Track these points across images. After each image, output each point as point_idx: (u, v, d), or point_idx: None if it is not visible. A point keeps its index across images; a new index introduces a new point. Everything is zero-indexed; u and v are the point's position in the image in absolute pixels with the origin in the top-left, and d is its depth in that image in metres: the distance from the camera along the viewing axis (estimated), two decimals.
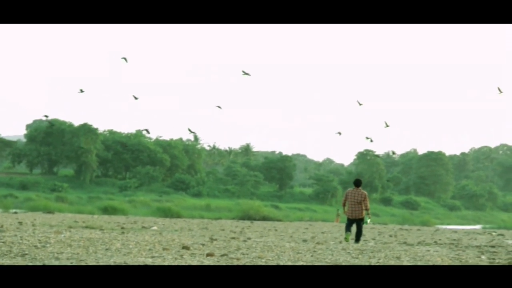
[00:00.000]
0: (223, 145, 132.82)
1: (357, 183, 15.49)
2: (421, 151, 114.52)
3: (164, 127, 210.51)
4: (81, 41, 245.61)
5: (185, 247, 11.19)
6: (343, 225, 26.75)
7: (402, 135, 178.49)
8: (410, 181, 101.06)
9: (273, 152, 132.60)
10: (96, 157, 79.41)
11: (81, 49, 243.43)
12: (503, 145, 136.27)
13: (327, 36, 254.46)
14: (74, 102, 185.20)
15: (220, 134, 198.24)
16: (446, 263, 9.93)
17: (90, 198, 61.08)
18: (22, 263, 7.96)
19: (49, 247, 10.24)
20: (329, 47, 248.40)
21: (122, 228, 19.62)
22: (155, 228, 20.71)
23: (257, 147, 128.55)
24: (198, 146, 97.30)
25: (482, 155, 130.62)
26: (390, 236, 22.26)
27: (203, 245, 12.34)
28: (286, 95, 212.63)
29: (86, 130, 79.61)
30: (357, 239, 15.47)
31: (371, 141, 25.01)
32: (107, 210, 42.43)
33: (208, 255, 9.95)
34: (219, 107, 28.10)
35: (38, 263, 7.97)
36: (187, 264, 8.35)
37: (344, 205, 15.46)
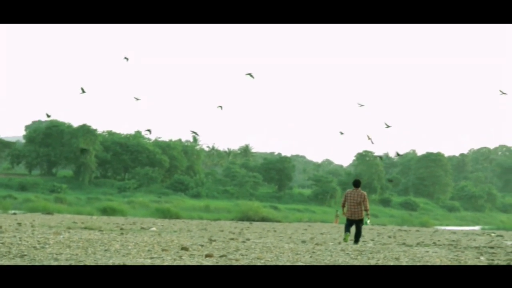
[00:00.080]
0: (222, 146, 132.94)
1: (356, 184, 15.51)
2: (420, 152, 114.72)
3: (163, 128, 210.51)
4: (81, 41, 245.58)
5: (184, 248, 11.19)
6: (342, 226, 26.75)
7: (401, 136, 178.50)
8: (409, 182, 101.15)
9: (272, 153, 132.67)
10: (95, 158, 79.40)
11: (81, 49, 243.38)
12: (502, 146, 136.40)
13: (326, 36, 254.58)
14: (73, 103, 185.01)
15: (219, 135, 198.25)
16: (445, 264, 9.93)
17: (89, 199, 61.04)
18: (21, 264, 7.95)
19: (48, 248, 10.24)
20: (329, 47, 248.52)
21: (121, 229, 19.62)
22: (154, 229, 20.70)
23: (256, 148, 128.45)
24: (197, 147, 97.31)
25: (481, 156, 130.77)
26: (389, 237, 22.26)
27: (202, 246, 12.34)
28: (286, 96, 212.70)
29: (85, 131, 79.59)
30: (356, 240, 15.48)
31: (372, 142, 25.00)
32: (106, 211, 42.41)
33: (207, 256, 9.95)
34: (220, 107, 28.06)
35: (37, 264, 7.97)
36: (185, 265, 8.35)
37: (343, 206, 15.47)
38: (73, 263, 8.20)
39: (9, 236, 12.68)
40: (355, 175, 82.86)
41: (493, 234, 29.33)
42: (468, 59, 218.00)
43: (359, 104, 26.80)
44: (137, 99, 27.49)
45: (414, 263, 9.92)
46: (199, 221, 36.16)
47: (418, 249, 13.92)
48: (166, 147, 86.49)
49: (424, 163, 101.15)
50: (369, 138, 25.19)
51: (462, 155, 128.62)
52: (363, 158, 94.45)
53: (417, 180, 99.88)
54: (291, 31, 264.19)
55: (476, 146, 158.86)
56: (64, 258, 8.77)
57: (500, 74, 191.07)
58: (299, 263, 9.35)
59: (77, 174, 80.00)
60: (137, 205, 53.99)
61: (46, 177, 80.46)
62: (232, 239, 15.88)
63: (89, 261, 8.44)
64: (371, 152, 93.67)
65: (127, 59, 25.44)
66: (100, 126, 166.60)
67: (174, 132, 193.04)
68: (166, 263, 8.53)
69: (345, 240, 15.45)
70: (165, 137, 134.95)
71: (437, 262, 10.27)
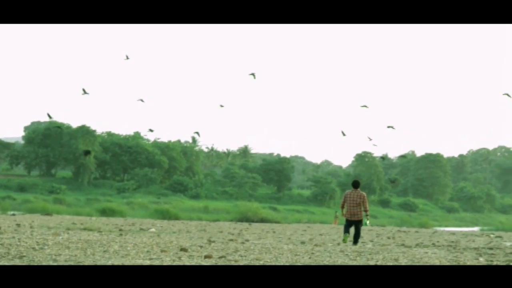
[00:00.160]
0: (221, 147, 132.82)
1: (356, 185, 15.51)
2: (419, 153, 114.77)
3: (162, 129, 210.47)
4: (80, 42, 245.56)
5: (183, 249, 11.18)
6: (341, 227, 26.73)
7: (400, 137, 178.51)
8: (408, 183, 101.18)
9: (271, 154, 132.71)
10: (94, 159, 79.38)
11: (80, 50, 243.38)
12: (501, 147, 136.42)
13: (326, 37, 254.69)
14: (72, 103, 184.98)
15: (218, 136, 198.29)
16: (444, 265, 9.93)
17: (88, 200, 61.00)
18: (20, 265, 7.94)
19: (47, 249, 10.23)
20: (329, 47, 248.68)
21: (120, 230, 19.60)
22: (153, 230, 20.68)
23: (255, 149, 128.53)
24: (196, 148, 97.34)
25: (480, 157, 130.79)
26: (388, 238, 22.25)
27: (201, 247, 12.33)
28: (285, 97, 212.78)
29: (84, 132, 79.58)
30: (355, 241, 15.47)
31: (374, 145, 24.96)
32: (105, 212, 42.37)
33: (206, 257, 9.94)
34: (222, 106, 28.07)
35: (36, 265, 7.96)
36: (184, 265, 8.34)
37: (342, 207, 15.47)
38: (72, 264, 8.20)
39: (8, 237, 12.67)
40: (354, 176, 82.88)
41: (492, 235, 29.30)
42: (468, 59, 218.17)
43: (364, 106, 26.73)
44: (141, 101, 27.46)
45: (413, 264, 9.91)
46: (198, 222, 36.14)
47: (417, 250, 13.91)
48: (165, 148, 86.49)
49: (423, 164, 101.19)
50: (370, 140, 25.19)
51: (461, 156, 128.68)
52: (362, 159, 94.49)
53: (416, 181, 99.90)
54: (291, 31, 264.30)
55: (475, 147, 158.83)
56: (63, 259, 8.76)
57: (500, 74, 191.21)
58: (298, 264, 9.34)
59: (76, 175, 79.99)
60: (136, 206, 53.96)
61: (45, 178, 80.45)
62: (231, 240, 15.88)
63: (88, 262, 8.43)
64: (370, 153, 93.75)
65: (127, 57, 25.44)
66: (99, 127, 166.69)
67: (173, 133, 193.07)
68: (165, 264, 8.52)
69: (344, 241, 15.45)
70: (164, 138, 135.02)
71: (436, 263, 10.27)
